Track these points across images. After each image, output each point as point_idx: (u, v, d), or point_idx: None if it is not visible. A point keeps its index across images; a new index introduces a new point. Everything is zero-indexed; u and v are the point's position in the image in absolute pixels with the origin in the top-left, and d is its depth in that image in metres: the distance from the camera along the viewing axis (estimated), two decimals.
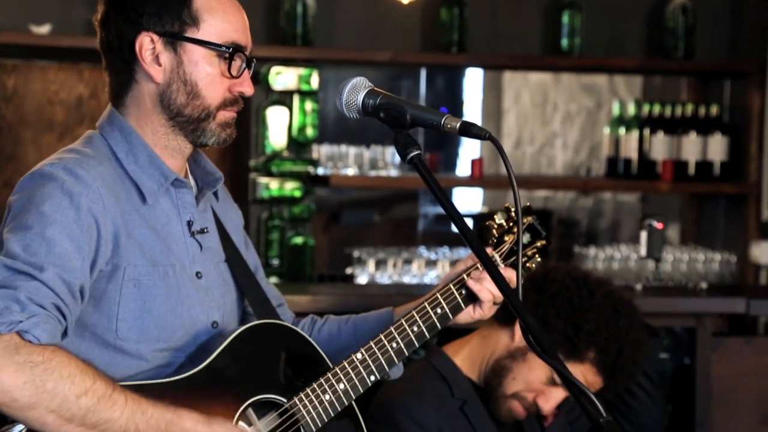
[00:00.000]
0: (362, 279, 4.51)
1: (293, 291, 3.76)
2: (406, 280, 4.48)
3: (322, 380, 2.10)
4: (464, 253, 4.64)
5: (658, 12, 5.08)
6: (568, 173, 6.69)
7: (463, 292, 2.25)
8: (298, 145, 4.68)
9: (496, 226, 2.33)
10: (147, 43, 2.01)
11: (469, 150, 6.79)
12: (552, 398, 2.66)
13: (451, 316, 2.24)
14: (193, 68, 2.01)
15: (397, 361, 2.19)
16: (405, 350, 2.19)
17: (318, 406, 2.09)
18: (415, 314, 2.20)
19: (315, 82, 4.66)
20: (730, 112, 5.11)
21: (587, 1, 4.99)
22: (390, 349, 2.17)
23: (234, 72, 2.03)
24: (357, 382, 2.13)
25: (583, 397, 1.69)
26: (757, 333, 4.63)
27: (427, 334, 2.21)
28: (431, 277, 4.51)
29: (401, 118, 1.84)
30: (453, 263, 4.54)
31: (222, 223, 2.18)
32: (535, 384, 2.65)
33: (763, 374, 3.78)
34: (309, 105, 4.65)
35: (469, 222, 6.67)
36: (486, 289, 2.24)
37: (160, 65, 2.01)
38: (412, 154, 1.81)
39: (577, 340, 2.66)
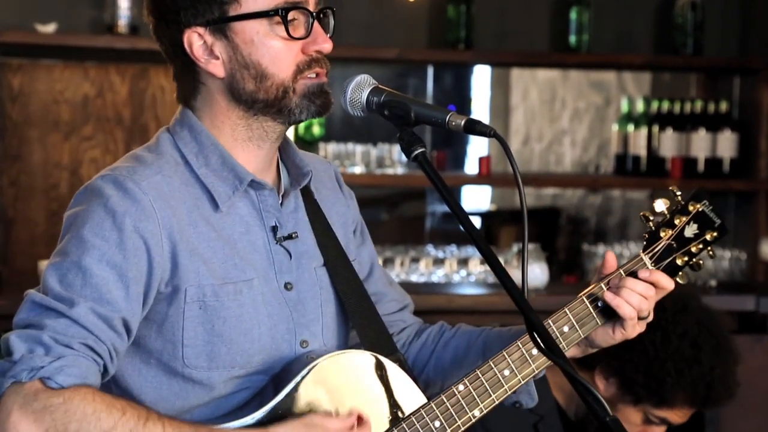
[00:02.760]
0: None
1: None
2: (414, 278, 4.47)
3: (413, 418, 1.83)
4: (473, 251, 4.60)
5: (666, 8, 5.06)
6: (577, 171, 6.67)
7: (599, 304, 1.91)
8: (305, 143, 4.68)
9: (652, 217, 1.98)
10: (195, 40, 1.81)
11: (478, 148, 6.78)
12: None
13: (582, 335, 1.91)
14: (250, 48, 1.79)
15: (510, 392, 1.86)
16: (520, 377, 1.87)
17: None
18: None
19: None
20: (739, 109, 5.08)
21: None
22: (501, 378, 1.86)
23: (297, 33, 1.79)
24: (457, 419, 1.84)
25: (589, 396, 1.68)
26: (767, 331, 4.61)
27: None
28: (439, 275, 4.50)
29: (406, 116, 1.79)
30: (461, 261, 4.53)
31: (326, 219, 1.93)
32: (633, 428, 2.62)
33: None
34: None
35: (477, 220, 6.66)
36: (626, 302, 1.88)
37: (217, 58, 1.81)
38: (416, 152, 1.77)
39: (662, 391, 2.56)
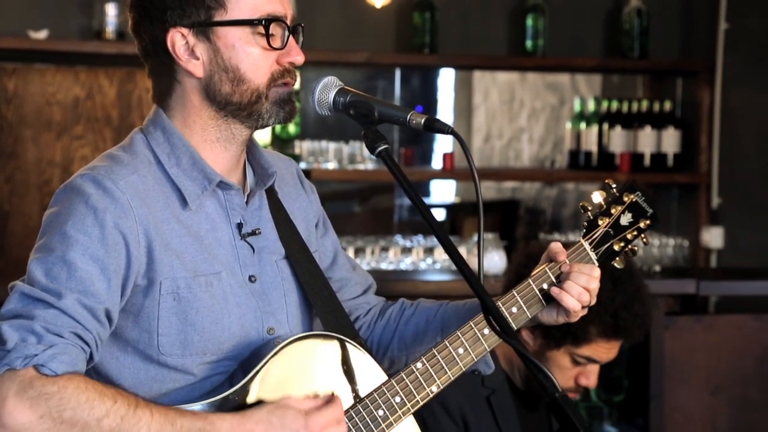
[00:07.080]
0: None
1: None
2: (384, 266, 4.47)
3: (375, 394, 1.84)
4: (438, 241, 4.59)
5: (614, 15, 5.09)
6: (534, 165, 6.69)
7: (544, 287, 1.93)
8: (281, 141, 4.67)
9: (590, 207, 2.00)
10: (178, 39, 1.79)
11: (443, 145, 6.79)
12: (591, 373, 2.66)
13: (529, 316, 1.93)
14: (231, 53, 1.78)
15: (465, 369, 1.88)
16: (473, 355, 1.88)
17: (370, 423, 1.82)
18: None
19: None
20: (682, 108, 5.12)
21: (550, 5, 4.99)
22: (456, 356, 1.87)
23: (275, 44, 1.80)
24: (416, 394, 1.85)
25: (539, 373, 1.68)
26: (708, 312, 4.65)
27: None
28: (407, 263, 4.51)
29: (370, 115, 1.80)
30: (427, 250, 4.54)
31: (288, 215, 1.93)
32: (568, 372, 2.64)
33: (713, 350, 3.79)
34: None
35: (442, 212, 6.67)
36: (568, 295, 1.91)
37: (197, 59, 1.79)
38: (380, 148, 1.77)
39: (572, 328, 2.56)
